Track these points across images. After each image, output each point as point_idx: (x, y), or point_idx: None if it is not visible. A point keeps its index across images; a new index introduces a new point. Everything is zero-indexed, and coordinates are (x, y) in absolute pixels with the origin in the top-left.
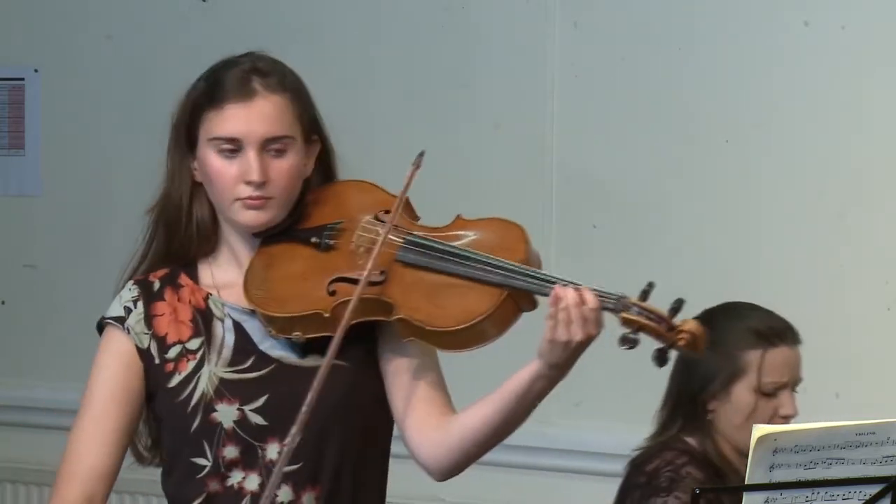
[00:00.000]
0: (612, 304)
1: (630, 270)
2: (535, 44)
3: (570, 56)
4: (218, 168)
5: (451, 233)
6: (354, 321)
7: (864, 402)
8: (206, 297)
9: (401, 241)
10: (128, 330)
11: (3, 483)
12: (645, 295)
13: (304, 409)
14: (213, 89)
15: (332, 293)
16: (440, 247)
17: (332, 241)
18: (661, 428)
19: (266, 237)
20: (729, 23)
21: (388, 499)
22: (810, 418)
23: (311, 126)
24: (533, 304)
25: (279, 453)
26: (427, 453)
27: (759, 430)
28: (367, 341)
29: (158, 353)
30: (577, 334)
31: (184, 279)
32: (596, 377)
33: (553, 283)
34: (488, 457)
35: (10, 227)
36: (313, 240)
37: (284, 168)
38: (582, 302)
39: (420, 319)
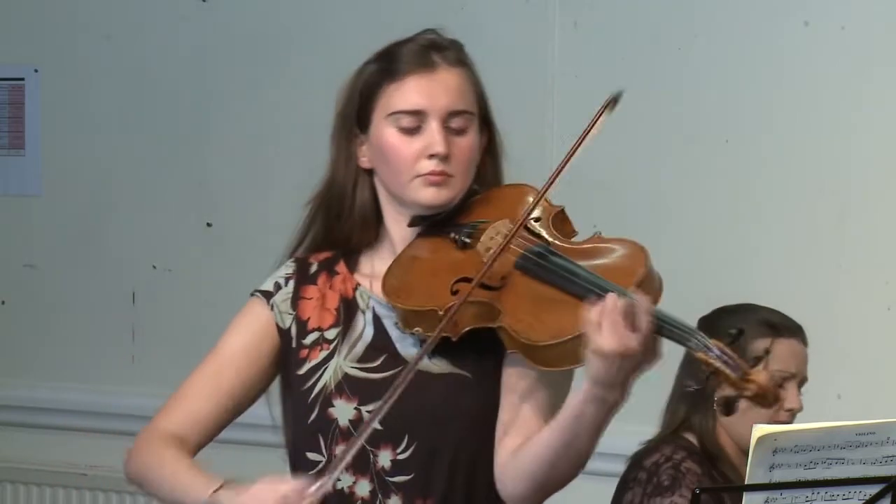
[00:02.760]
0: (694, 343)
1: None
2: (535, 44)
3: (570, 56)
4: (397, 144)
5: (580, 248)
6: (468, 328)
7: (864, 402)
8: (356, 287)
9: (522, 248)
10: (272, 306)
11: (3, 483)
12: (732, 340)
13: (381, 403)
14: (389, 65)
15: (455, 293)
16: (554, 259)
17: (468, 240)
18: (665, 423)
19: (422, 229)
20: (729, 23)
21: None
22: (810, 418)
23: (484, 111)
24: None
25: (391, 462)
26: (502, 481)
27: (760, 430)
28: (495, 353)
29: (296, 338)
30: (611, 343)
31: (340, 267)
32: None
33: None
34: None
35: (10, 227)
36: (452, 235)
37: (465, 145)
38: (627, 310)
39: (517, 330)
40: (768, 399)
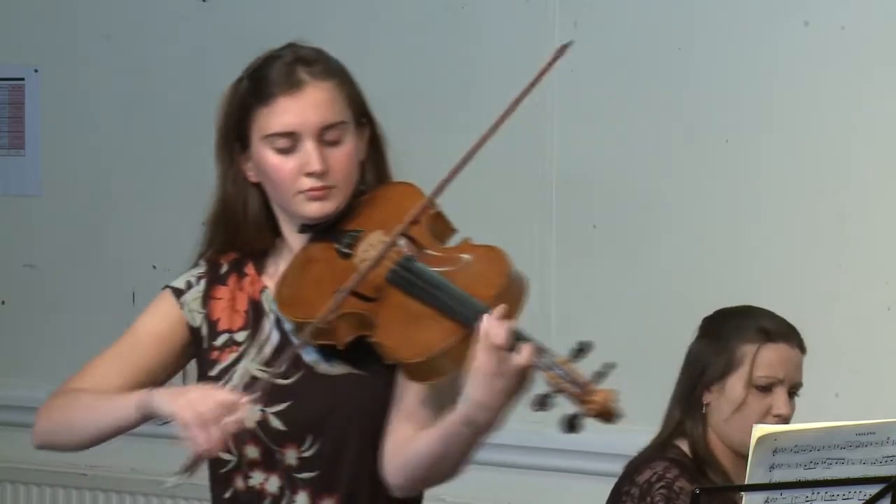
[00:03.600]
0: (541, 362)
1: (630, 270)
2: (535, 44)
3: (570, 56)
4: (276, 165)
5: (449, 255)
6: (351, 336)
7: (864, 402)
8: (262, 290)
9: (394, 261)
10: (182, 304)
11: (3, 483)
12: (575, 355)
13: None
14: (259, 85)
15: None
16: (419, 271)
17: (347, 250)
18: (663, 425)
19: (312, 235)
20: (729, 23)
21: None
22: (810, 418)
23: (360, 109)
24: None
25: (297, 460)
26: (385, 468)
27: (759, 430)
28: None
29: (207, 338)
30: (500, 377)
31: (249, 268)
32: None
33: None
34: (488, 457)
35: (10, 227)
36: (335, 246)
37: (342, 155)
38: (513, 349)
39: (387, 346)
40: (609, 417)
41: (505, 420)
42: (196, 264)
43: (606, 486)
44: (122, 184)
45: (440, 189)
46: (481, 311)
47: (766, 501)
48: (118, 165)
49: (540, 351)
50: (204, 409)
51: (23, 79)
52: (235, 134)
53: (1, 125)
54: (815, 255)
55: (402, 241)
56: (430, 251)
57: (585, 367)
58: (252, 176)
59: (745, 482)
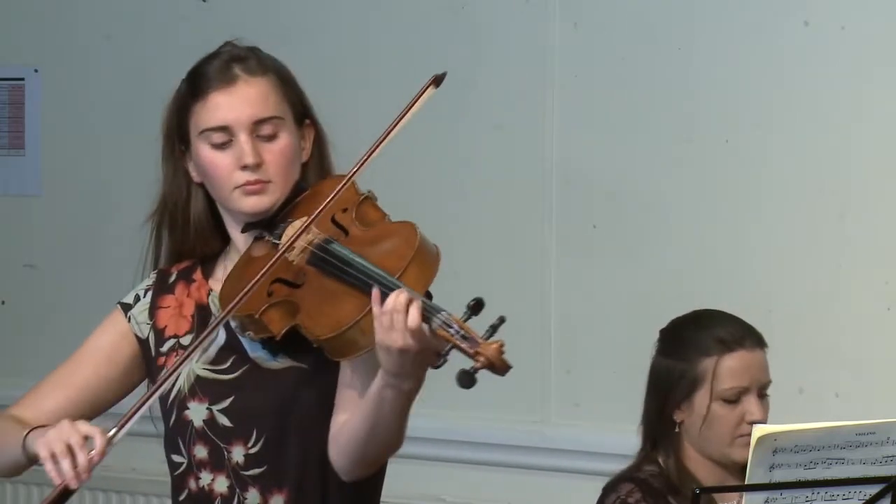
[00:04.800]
0: (437, 321)
1: (630, 270)
2: (535, 44)
3: (570, 56)
4: (212, 160)
5: (369, 235)
6: (287, 326)
7: (864, 402)
8: (209, 293)
9: (313, 245)
10: (129, 318)
11: (3, 483)
12: (470, 311)
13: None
14: (195, 84)
15: (270, 294)
16: (334, 251)
17: (277, 240)
18: (641, 445)
19: (256, 233)
20: (729, 23)
21: (388, 499)
22: (810, 418)
23: (302, 109)
24: None
25: (244, 457)
26: (330, 454)
27: (760, 430)
28: None
29: (155, 346)
30: (397, 341)
31: (197, 274)
32: (595, 377)
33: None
34: (488, 457)
35: (10, 227)
36: (266, 237)
37: (277, 150)
38: (405, 311)
39: (306, 327)
40: (497, 369)
41: (422, 379)
42: (146, 276)
43: None
44: (122, 184)
45: (351, 177)
46: (389, 283)
47: (767, 501)
48: (118, 165)
49: (432, 311)
50: (59, 445)
51: (23, 79)
52: (178, 135)
53: (1, 125)
54: (815, 255)
55: (330, 227)
56: (352, 234)
57: (481, 324)
58: (195, 176)
59: (745, 482)
